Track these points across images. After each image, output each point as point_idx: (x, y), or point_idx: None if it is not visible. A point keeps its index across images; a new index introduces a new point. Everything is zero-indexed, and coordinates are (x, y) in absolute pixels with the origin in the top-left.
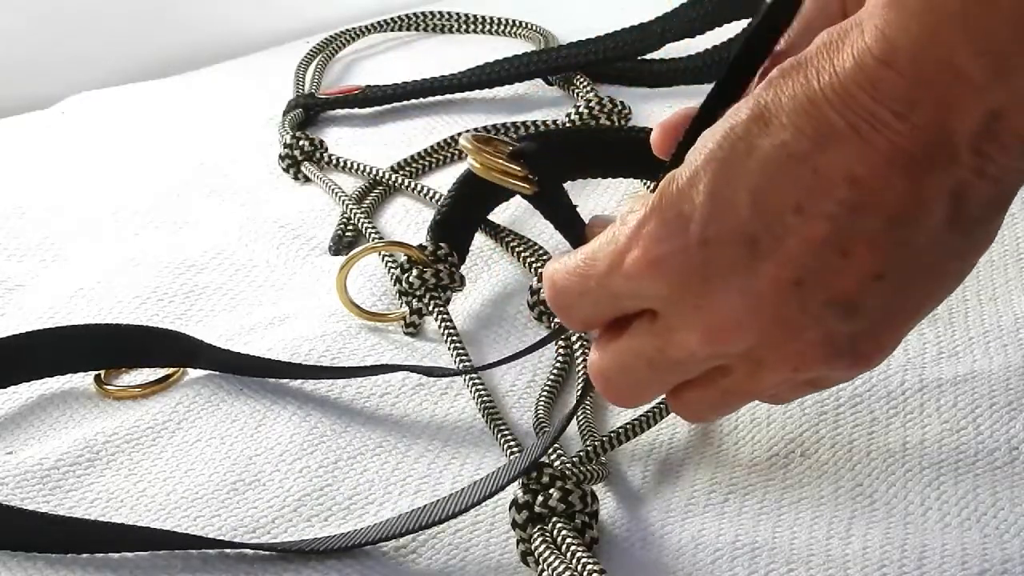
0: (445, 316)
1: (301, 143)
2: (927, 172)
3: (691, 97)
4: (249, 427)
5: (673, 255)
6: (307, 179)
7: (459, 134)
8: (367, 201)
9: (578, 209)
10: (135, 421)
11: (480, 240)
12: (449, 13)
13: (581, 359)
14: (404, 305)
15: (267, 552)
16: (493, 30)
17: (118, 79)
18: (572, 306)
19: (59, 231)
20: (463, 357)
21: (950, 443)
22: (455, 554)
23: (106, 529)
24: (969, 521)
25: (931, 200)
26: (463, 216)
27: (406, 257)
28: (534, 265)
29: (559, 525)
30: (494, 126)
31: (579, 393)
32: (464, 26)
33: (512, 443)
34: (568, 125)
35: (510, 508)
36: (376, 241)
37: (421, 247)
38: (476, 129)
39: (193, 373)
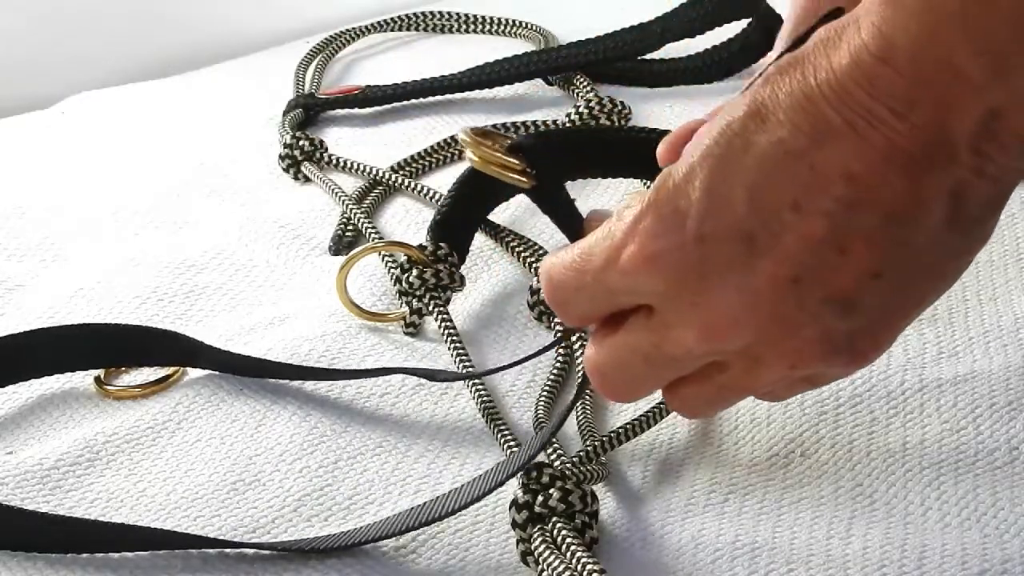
0: (445, 316)
1: (301, 143)
2: (926, 171)
3: (691, 97)
4: (249, 427)
5: (669, 251)
6: (307, 179)
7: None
8: (367, 201)
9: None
10: (135, 421)
11: (480, 240)
12: (449, 13)
13: (581, 359)
14: (404, 305)
15: (267, 552)
16: (493, 30)
17: (118, 79)
18: (568, 302)
19: (59, 231)
20: (463, 357)
21: (950, 443)
22: (455, 554)
23: (106, 529)
24: (969, 521)
25: (930, 199)
26: (463, 216)
27: (406, 257)
28: (534, 265)
29: (559, 525)
30: (494, 126)
31: (576, 389)
32: (464, 26)
33: (512, 443)
34: (568, 125)
35: (510, 508)
36: (376, 241)
37: (421, 247)
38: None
39: (193, 373)
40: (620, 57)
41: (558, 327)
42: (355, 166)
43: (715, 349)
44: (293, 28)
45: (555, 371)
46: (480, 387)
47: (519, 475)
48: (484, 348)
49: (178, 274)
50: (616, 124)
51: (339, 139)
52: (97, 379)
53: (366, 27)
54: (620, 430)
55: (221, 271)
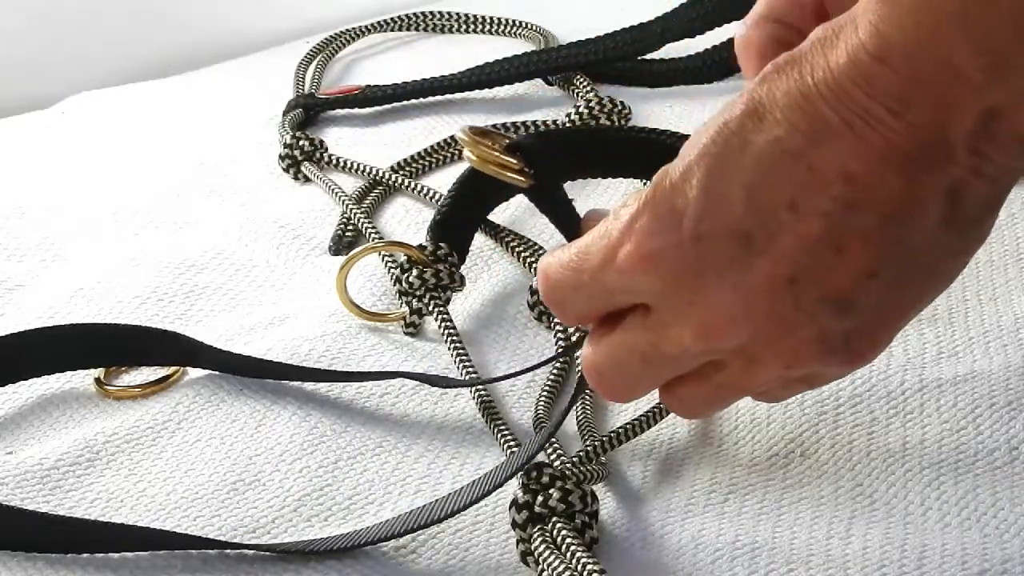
0: (445, 316)
1: (301, 143)
2: (923, 171)
3: (691, 97)
4: (249, 427)
5: (666, 250)
6: (307, 179)
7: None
8: (367, 201)
9: (575, 207)
10: (135, 421)
11: (480, 240)
12: (449, 13)
13: (580, 359)
14: (404, 305)
15: (267, 552)
16: (493, 30)
17: (118, 79)
18: (566, 301)
19: (59, 231)
20: (463, 358)
21: (950, 443)
22: (455, 554)
23: (106, 529)
24: (969, 521)
25: (927, 199)
26: (463, 216)
27: (406, 257)
28: (534, 265)
29: (559, 525)
30: (494, 126)
31: (575, 388)
32: (464, 26)
33: (512, 443)
34: (568, 125)
35: (510, 508)
36: (376, 241)
37: (421, 247)
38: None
39: (193, 373)
40: (620, 57)
41: (559, 329)
42: (355, 166)
43: (712, 348)
44: (293, 28)
45: (555, 371)
46: (480, 387)
47: (519, 475)
48: (484, 348)
49: (178, 274)
50: (616, 124)
51: (339, 139)
52: (97, 379)
53: (366, 27)
54: (620, 430)
55: (221, 271)
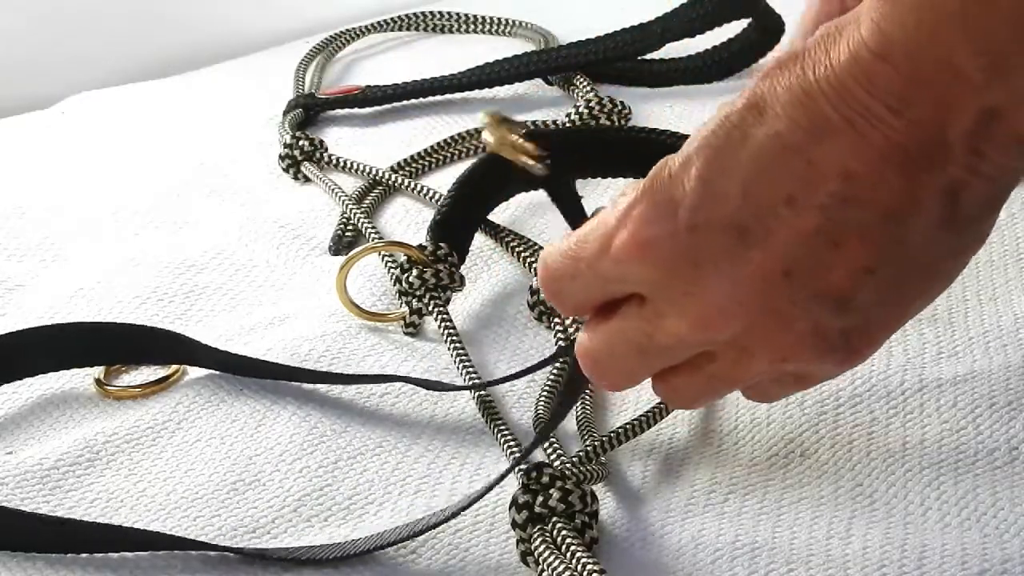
0: (445, 316)
1: (301, 143)
2: (923, 169)
3: (691, 97)
4: (249, 427)
5: (661, 239)
6: (307, 179)
7: (459, 134)
8: (367, 201)
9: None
10: (135, 421)
11: (480, 240)
12: (449, 13)
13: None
14: (404, 305)
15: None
16: (493, 30)
17: (118, 79)
18: (563, 291)
19: (59, 231)
20: (463, 358)
21: (950, 443)
22: (455, 554)
23: (106, 529)
24: (969, 521)
25: (926, 198)
26: (463, 216)
27: (406, 257)
28: (534, 265)
29: (559, 525)
30: None
31: (567, 384)
32: (464, 26)
33: (512, 443)
34: (568, 125)
35: (510, 508)
36: (376, 241)
37: (421, 247)
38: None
39: (193, 373)
40: (620, 57)
41: (559, 329)
42: (355, 166)
43: (707, 339)
44: (293, 28)
45: (555, 371)
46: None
47: (519, 475)
48: (484, 348)
49: (178, 274)
50: (616, 124)
51: (339, 139)
52: (97, 379)
53: (366, 27)
54: (620, 430)
55: (221, 271)
